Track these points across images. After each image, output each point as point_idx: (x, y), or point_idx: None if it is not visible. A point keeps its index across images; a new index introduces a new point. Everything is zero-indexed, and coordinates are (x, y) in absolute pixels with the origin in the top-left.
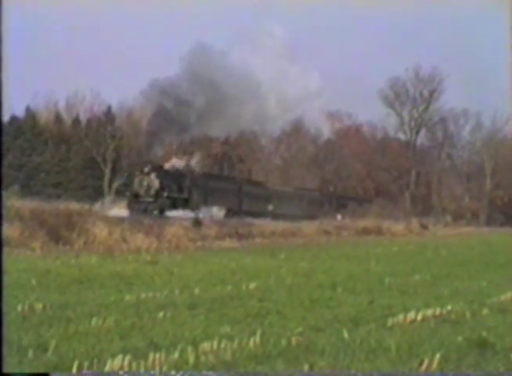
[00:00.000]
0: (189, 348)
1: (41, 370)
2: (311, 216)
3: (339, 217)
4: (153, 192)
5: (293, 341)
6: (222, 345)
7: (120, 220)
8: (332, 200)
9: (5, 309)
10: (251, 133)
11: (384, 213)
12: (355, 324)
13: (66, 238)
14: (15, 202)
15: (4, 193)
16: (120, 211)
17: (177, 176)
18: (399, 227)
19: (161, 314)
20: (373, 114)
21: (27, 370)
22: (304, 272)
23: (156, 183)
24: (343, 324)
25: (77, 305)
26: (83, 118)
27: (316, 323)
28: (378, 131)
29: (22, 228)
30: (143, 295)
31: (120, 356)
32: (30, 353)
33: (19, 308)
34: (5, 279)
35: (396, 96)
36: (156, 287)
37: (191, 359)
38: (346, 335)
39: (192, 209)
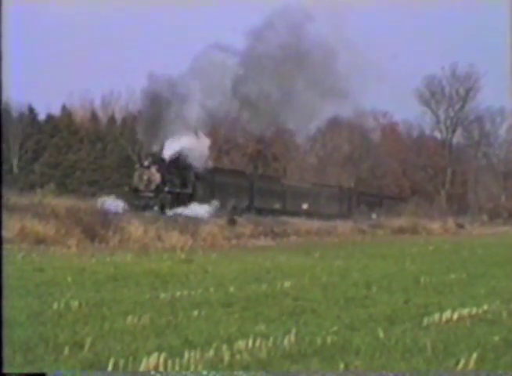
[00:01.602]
0: (224, 347)
1: (78, 368)
2: (329, 214)
3: (374, 216)
4: (153, 187)
5: (329, 340)
6: (257, 344)
7: (155, 218)
8: (352, 196)
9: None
10: (286, 131)
11: (419, 212)
12: (391, 323)
13: (101, 236)
14: (51, 200)
15: (40, 191)
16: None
17: (180, 170)
18: (435, 226)
19: (196, 312)
20: (409, 113)
21: (63, 368)
22: (339, 271)
23: (157, 177)
24: (378, 323)
25: (113, 303)
26: (118, 116)
27: (351, 322)
28: (414, 130)
29: (58, 226)
30: (178, 293)
31: (155, 354)
32: (66, 351)
33: (55, 305)
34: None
35: (432, 95)
36: (191, 286)
37: (226, 357)
38: (381, 334)
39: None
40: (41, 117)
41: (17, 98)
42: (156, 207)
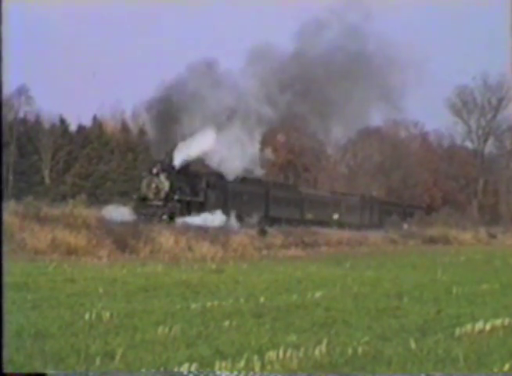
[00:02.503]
0: (255, 357)
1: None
2: (351, 223)
3: (405, 226)
4: (162, 195)
5: (360, 350)
6: (288, 354)
7: (186, 229)
8: (373, 206)
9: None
10: (317, 141)
11: (451, 222)
12: (423, 334)
13: (132, 247)
14: (82, 211)
15: (71, 202)
16: (124, 215)
17: (191, 177)
18: (467, 236)
19: (227, 323)
20: (440, 123)
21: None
22: (370, 281)
23: (166, 185)
24: (410, 334)
25: (144, 314)
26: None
27: (383, 332)
28: (445, 140)
29: (89, 236)
30: (209, 304)
31: (186, 365)
32: (98, 361)
33: (86, 316)
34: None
35: (463, 104)
36: (222, 296)
37: (257, 367)
38: (413, 345)
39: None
40: (73, 128)
41: (49, 109)
42: (164, 216)
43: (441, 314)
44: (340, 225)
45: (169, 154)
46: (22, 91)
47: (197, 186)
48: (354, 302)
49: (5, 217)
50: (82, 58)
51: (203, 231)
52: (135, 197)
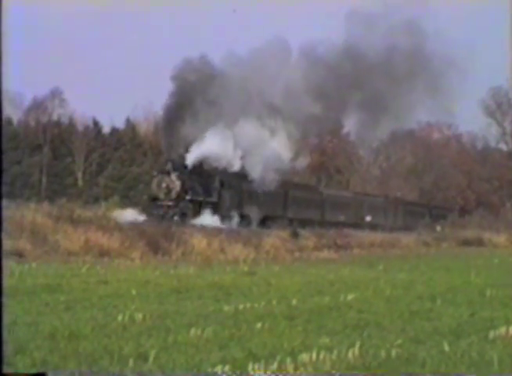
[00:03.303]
0: (288, 359)
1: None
2: (375, 225)
3: (438, 228)
4: (173, 195)
5: (393, 353)
6: (321, 357)
7: (218, 231)
8: (398, 207)
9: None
10: (349, 143)
11: (484, 224)
12: (456, 337)
13: (165, 249)
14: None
15: (104, 204)
16: (133, 215)
17: (204, 177)
18: (501, 239)
19: (259, 325)
20: (474, 124)
21: None
22: (402, 284)
23: (177, 184)
24: (443, 336)
25: (176, 316)
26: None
27: (416, 335)
28: (479, 142)
29: (122, 238)
30: (241, 306)
31: (219, 367)
32: (131, 363)
33: (119, 318)
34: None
35: (498, 106)
36: (254, 298)
37: (290, 370)
38: (447, 348)
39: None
40: (106, 130)
41: (82, 111)
42: (176, 217)
43: (475, 317)
44: (362, 226)
45: (181, 154)
46: (55, 93)
47: (211, 186)
48: (387, 305)
49: (39, 219)
50: (116, 59)
51: (235, 233)
52: (145, 196)
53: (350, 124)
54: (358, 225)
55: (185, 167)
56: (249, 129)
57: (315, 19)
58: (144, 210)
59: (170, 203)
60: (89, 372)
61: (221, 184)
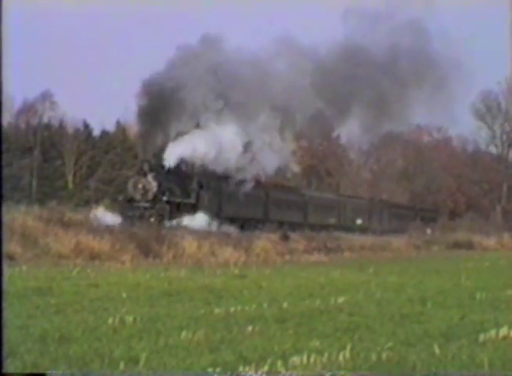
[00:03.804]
0: (279, 362)
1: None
2: (361, 229)
3: (429, 231)
4: (150, 196)
5: (384, 356)
6: (312, 360)
7: (208, 233)
8: (383, 209)
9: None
10: (339, 146)
11: (475, 227)
12: (446, 339)
13: (155, 251)
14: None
15: (94, 207)
16: (109, 217)
17: (182, 178)
18: (491, 242)
19: (250, 328)
20: (464, 128)
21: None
22: (393, 287)
23: (153, 186)
24: (434, 339)
25: (167, 318)
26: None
27: (407, 338)
28: (469, 145)
29: (112, 241)
30: (232, 309)
31: (210, 370)
32: (122, 366)
33: (110, 321)
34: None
35: (488, 109)
36: (245, 301)
37: (281, 373)
38: (437, 350)
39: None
40: (96, 132)
41: (73, 114)
42: (152, 219)
43: (465, 320)
44: (345, 229)
45: (157, 153)
46: (46, 96)
47: (189, 187)
48: (377, 308)
49: (29, 222)
50: (107, 62)
51: (226, 236)
52: (120, 198)
53: (351, 124)
54: (342, 227)
55: (163, 167)
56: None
57: (316, 17)
58: (120, 211)
59: (146, 204)
60: (89, 372)
61: (200, 185)
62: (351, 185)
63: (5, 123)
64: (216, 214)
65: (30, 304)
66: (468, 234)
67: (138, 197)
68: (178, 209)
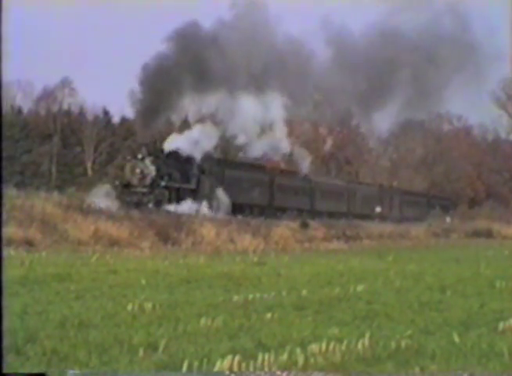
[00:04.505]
0: (298, 350)
1: (152, 370)
2: (366, 215)
3: (448, 219)
4: (148, 181)
5: (403, 344)
6: (331, 347)
7: (228, 221)
8: (393, 196)
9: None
10: (359, 134)
11: (494, 215)
12: (466, 328)
13: (174, 238)
14: None
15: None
16: (105, 203)
17: (182, 162)
18: (510, 230)
19: (269, 315)
20: (484, 116)
21: (138, 369)
22: (412, 275)
23: (151, 170)
24: (453, 328)
25: (186, 305)
26: (192, 120)
27: (426, 326)
28: (489, 134)
29: (131, 228)
30: (251, 296)
31: (229, 357)
32: (141, 352)
33: (129, 307)
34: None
35: (508, 98)
36: (264, 288)
37: (300, 360)
38: (457, 339)
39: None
40: (116, 119)
41: (92, 101)
42: (150, 205)
43: (485, 308)
44: (355, 216)
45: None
46: (65, 83)
47: (189, 172)
48: (396, 296)
49: (49, 208)
50: (127, 48)
51: (244, 223)
52: (117, 182)
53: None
54: (350, 215)
55: (162, 151)
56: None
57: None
58: (116, 197)
59: (144, 189)
60: (89, 372)
61: (201, 170)
62: (371, 173)
63: (25, 110)
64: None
65: (50, 290)
66: (488, 222)
67: (135, 182)
68: (178, 195)
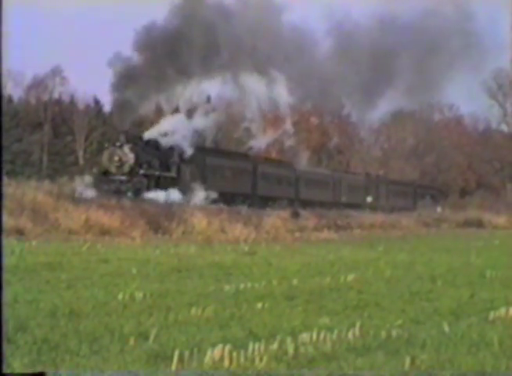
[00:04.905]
0: (289, 339)
1: (143, 359)
2: (353, 204)
3: (439, 209)
4: (126, 169)
5: (394, 333)
6: (321, 337)
7: (219, 210)
8: (379, 186)
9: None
10: (350, 124)
11: (485, 205)
12: (456, 317)
13: (165, 228)
14: None
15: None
16: (84, 191)
17: (162, 150)
18: (501, 220)
19: (260, 305)
20: (475, 106)
21: (129, 359)
22: (403, 265)
23: (130, 158)
24: (443, 317)
25: (177, 295)
26: (182, 108)
27: (416, 315)
28: (480, 123)
29: (122, 217)
30: (242, 286)
31: (220, 346)
32: (132, 341)
33: (120, 296)
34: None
35: (499, 87)
36: (255, 278)
37: (290, 349)
38: (447, 328)
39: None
40: (107, 108)
41: (83, 90)
42: (129, 193)
43: (475, 298)
44: (340, 206)
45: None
46: (56, 72)
47: (169, 160)
48: (387, 285)
49: (40, 197)
50: (117, 37)
51: (236, 213)
52: (95, 170)
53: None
54: (336, 204)
55: (140, 139)
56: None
57: None
58: (94, 185)
59: (122, 177)
60: (89, 373)
61: (182, 159)
62: (362, 163)
63: (15, 98)
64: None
65: (41, 279)
66: (478, 212)
67: (113, 169)
68: (158, 183)
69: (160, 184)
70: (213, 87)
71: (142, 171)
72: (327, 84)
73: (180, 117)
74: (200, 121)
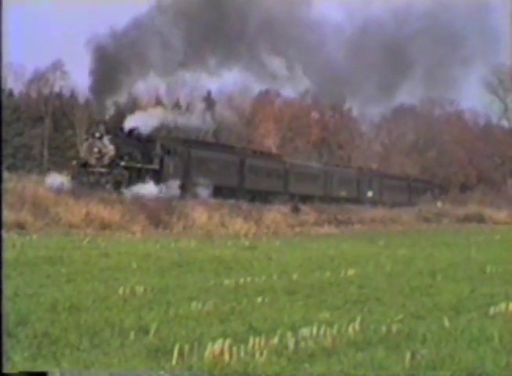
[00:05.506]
0: (289, 334)
1: (143, 353)
2: (345, 198)
3: (439, 204)
4: (106, 160)
5: (394, 328)
6: (322, 331)
7: (219, 205)
8: (372, 179)
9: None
10: (351, 119)
11: (486, 200)
12: (456, 312)
13: (165, 222)
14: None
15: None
16: (60, 183)
17: (144, 142)
18: (501, 215)
19: (260, 299)
20: (476, 101)
21: (129, 353)
22: (403, 260)
23: (110, 149)
24: (444, 312)
25: (177, 289)
26: (183, 103)
27: (416, 310)
28: (481, 118)
29: (123, 212)
30: (242, 280)
31: (220, 340)
32: (132, 336)
33: (120, 291)
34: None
35: (500, 83)
36: (255, 272)
37: (291, 344)
38: (447, 323)
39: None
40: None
41: (84, 84)
42: (108, 185)
43: (475, 293)
44: (332, 200)
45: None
46: (57, 66)
47: (152, 152)
48: (387, 280)
49: (40, 191)
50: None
51: (236, 207)
52: (74, 162)
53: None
54: (328, 198)
55: (121, 129)
56: None
57: None
58: (73, 177)
59: (102, 169)
60: (89, 372)
61: (165, 150)
62: (362, 157)
63: (16, 92)
64: (183, 181)
65: (41, 273)
66: (479, 207)
67: (93, 161)
68: (139, 176)
69: (142, 177)
70: (230, 75)
71: (122, 163)
72: (342, 76)
73: (159, 111)
74: (199, 116)
